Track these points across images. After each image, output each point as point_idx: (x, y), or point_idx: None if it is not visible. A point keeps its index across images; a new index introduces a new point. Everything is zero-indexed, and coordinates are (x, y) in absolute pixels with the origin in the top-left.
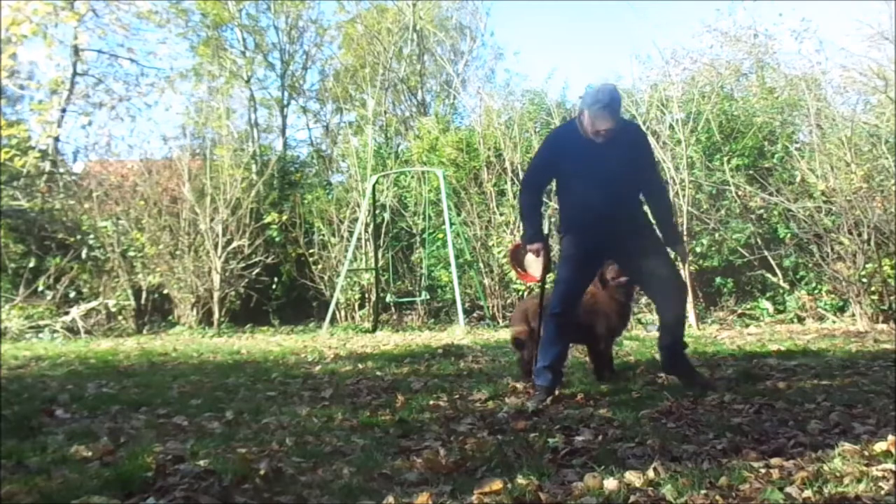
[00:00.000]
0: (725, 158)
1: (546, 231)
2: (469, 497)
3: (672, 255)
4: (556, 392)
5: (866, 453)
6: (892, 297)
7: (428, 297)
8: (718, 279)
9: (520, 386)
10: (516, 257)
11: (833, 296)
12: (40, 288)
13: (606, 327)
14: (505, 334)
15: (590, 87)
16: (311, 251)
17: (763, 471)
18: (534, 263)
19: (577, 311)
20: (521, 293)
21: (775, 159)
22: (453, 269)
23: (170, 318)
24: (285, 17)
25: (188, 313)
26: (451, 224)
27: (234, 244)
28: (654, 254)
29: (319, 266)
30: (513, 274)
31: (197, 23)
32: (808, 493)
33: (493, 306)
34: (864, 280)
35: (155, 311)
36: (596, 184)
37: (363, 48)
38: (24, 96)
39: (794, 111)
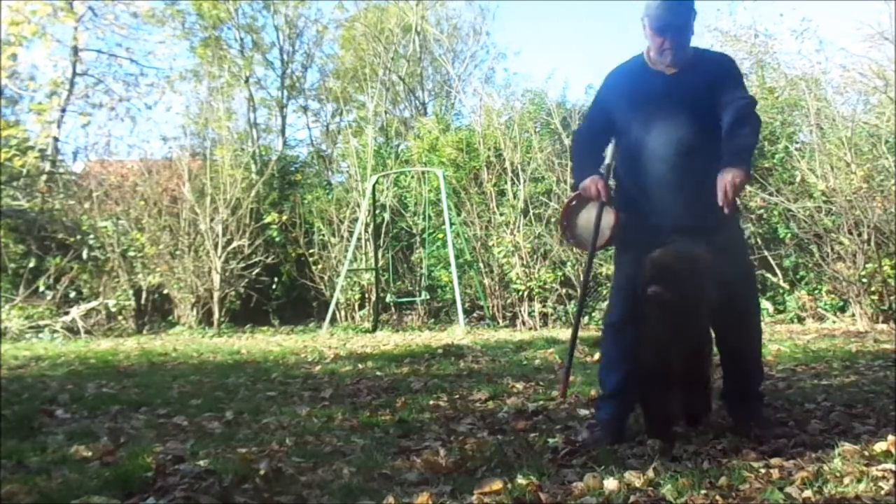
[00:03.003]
0: None
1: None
2: (469, 497)
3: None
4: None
5: (866, 453)
6: (892, 297)
7: (428, 297)
8: None
9: (520, 386)
10: (568, 217)
11: (833, 296)
12: (40, 288)
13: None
14: (504, 334)
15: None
16: (311, 251)
17: (763, 471)
18: (588, 227)
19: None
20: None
21: (775, 159)
22: (453, 269)
23: (170, 318)
24: (284, 16)
25: (188, 313)
26: (451, 224)
27: (234, 244)
28: (723, 263)
29: (319, 266)
30: (513, 274)
31: (194, 23)
32: (808, 493)
33: (493, 306)
34: (864, 280)
35: (155, 311)
36: (661, 141)
37: (363, 48)
38: (24, 96)
39: (794, 111)
